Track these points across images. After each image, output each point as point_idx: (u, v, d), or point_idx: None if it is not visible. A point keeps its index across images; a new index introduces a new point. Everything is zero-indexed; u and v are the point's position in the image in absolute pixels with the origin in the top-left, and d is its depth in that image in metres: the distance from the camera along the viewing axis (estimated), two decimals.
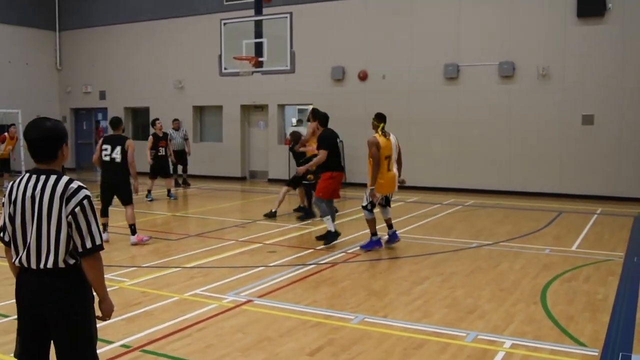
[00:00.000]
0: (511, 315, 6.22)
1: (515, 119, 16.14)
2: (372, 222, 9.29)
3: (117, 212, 13.69)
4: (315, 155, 10.21)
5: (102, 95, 23.57)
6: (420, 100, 17.27)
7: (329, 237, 9.65)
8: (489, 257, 8.94)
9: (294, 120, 21.93)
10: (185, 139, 18.08)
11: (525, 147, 16.05)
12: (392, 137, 9.27)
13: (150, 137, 15.58)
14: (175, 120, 18.16)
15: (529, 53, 15.88)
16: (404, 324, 5.97)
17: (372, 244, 9.33)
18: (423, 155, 17.21)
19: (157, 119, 16.32)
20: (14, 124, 18.34)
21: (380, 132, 9.14)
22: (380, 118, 9.27)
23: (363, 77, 18.08)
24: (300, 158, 12.27)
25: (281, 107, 20.06)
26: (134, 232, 9.95)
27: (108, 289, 7.50)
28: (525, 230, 11.06)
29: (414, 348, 5.32)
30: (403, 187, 9.94)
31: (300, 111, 22.52)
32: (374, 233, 9.33)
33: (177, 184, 18.05)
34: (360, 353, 5.20)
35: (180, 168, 18.22)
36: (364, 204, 9.25)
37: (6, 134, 17.76)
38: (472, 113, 16.65)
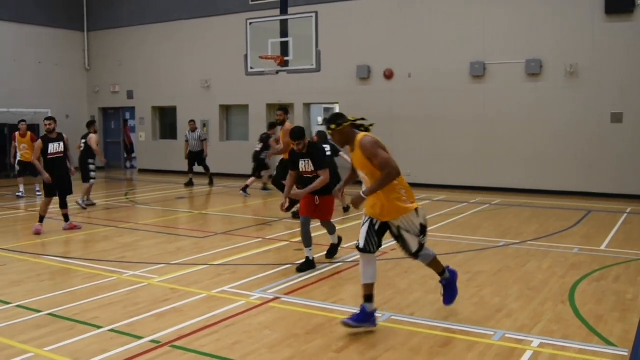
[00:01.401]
0: (539, 314, 6.18)
1: (543, 117, 15.99)
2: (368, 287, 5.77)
3: (144, 210, 13.89)
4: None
5: (130, 95, 23.84)
6: (446, 99, 17.19)
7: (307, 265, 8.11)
8: (516, 256, 8.88)
9: (320, 119, 21.97)
10: (202, 140, 18.21)
11: (553, 146, 15.90)
12: None
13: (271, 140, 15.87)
14: (191, 121, 18.42)
15: (557, 50, 15.73)
16: (430, 322, 5.96)
17: (362, 318, 5.68)
18: (449, 154, 17.18)
19: (274, 125, 16.56)
20: (24, 120, 16.32)
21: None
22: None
23: (389, 75, 18.06)
24: None
25: (307, 106, 20.10)
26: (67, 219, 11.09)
27: (138, 285, 7.65)
28: (553, 230, 10.97)
29: (441, 346, 5.31)
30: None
31: (326, 110, 22.56)
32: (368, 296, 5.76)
33: (190, 184, 18.19)
34: (386, 351, 5.21)
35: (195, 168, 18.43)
36: (417, 249, 5.95)
37: (17, 133, 16.15)
38: (499, 111, 16.55)
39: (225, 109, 21.85)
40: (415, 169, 17.29)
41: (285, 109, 12.60)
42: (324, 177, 8.02)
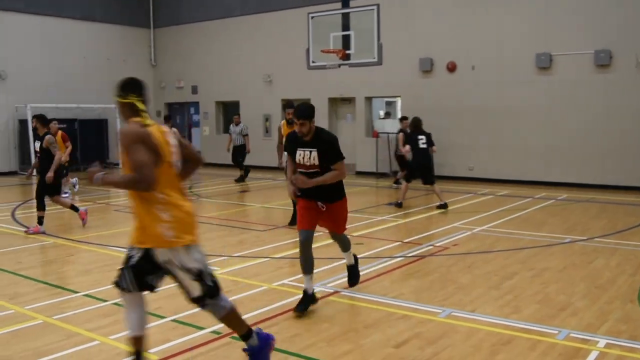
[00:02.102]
0: (606, 313, 5.99)
1: (612, 110, 15.46)
2: None
3: (208, 204, 14.11)
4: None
5: (194, 90, 24.29)
6: (510, 91, 16.84)
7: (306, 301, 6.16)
8: (582, 252, 8.63)
9: (382, 113, 21.87)
10: (244, 135, 18.25)
11: (623, 139, 15.36)
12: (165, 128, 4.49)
13: (402, 134, 15.81)
14: (236, 115, 18.61)
15: (627, 40, 15.16)
16: (492, 319, 5.85)
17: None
18: (514, 147, 16.82)
19: (406, 118, 16.04)
20: (53, 120, 14.98)
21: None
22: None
23: (452, 68, 17.80)
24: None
25: (368, 99, 20.03)
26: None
27: None
28: (622, 226, 10.61)
29: (503, 344, 5.21)
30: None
31: (388, 104, 22.42)
32: None
33: (242, 179, 18.23)
34: (446, 347, 5.15)
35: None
36: (200, 294, 4.37)
37: None
38: (566, 104, 16.10)
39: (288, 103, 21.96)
40: (479, 163, 17.00)
41: (294, 106, 12.11)
42: (340, 170, 6.06)
